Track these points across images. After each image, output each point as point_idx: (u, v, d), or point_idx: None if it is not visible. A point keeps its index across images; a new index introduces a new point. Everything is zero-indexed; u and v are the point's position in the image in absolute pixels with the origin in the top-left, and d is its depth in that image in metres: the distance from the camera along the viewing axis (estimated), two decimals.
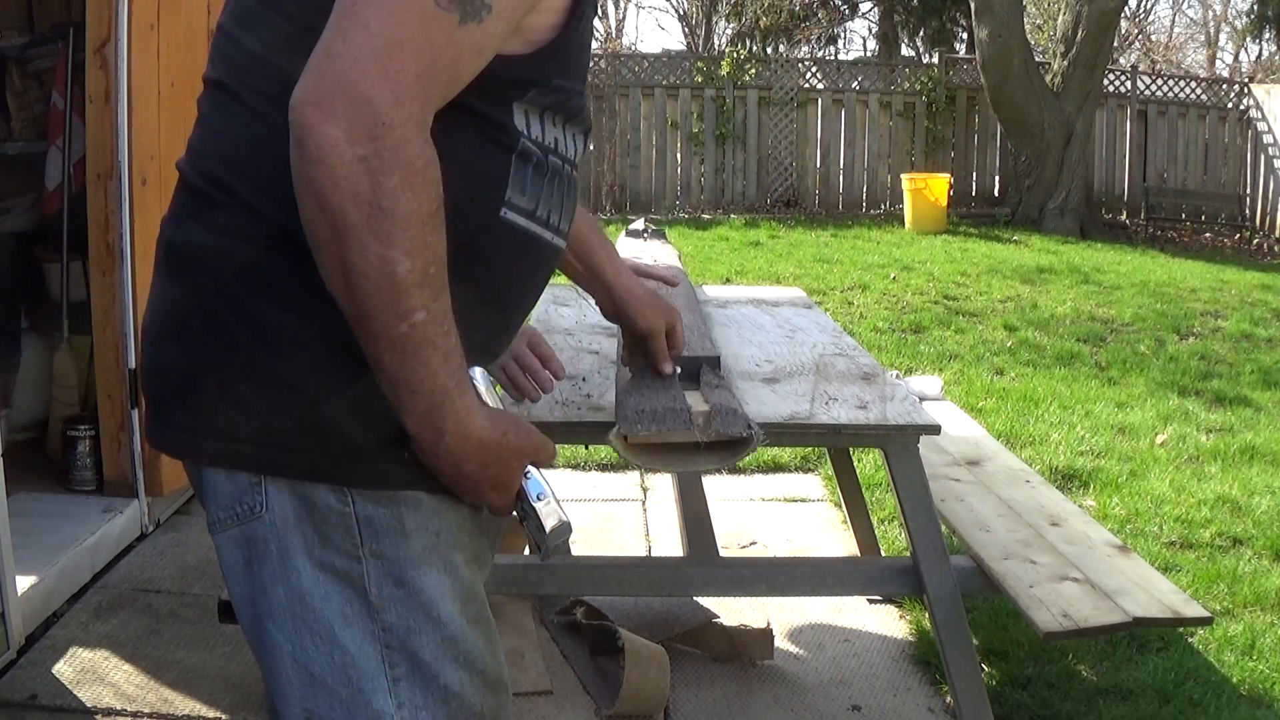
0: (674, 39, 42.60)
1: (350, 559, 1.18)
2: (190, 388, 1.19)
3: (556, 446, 1.30)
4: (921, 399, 3.20)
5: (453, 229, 1.09)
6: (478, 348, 1.21)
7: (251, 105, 1.18)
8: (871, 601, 3.20)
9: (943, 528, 2.38)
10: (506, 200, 1.20)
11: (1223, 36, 26.36)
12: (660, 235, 3.49)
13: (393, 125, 1.02)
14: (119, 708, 2.57)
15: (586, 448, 3.99)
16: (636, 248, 3.12)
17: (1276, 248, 12.17)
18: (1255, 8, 19.50)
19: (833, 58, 19.36)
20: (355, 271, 1.05)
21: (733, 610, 3.01)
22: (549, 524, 1.24)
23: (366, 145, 1.02)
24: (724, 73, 13.12)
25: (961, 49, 17.89)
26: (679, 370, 1.84)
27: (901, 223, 12.26)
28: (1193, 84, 13.99)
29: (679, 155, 13.10)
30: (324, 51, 1.04)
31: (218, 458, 1.19)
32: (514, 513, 1.25)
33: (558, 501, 1.25)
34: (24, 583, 2.83)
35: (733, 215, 12.81)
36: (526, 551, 3.08)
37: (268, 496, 1.18)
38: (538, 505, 1.23)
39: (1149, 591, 2.29)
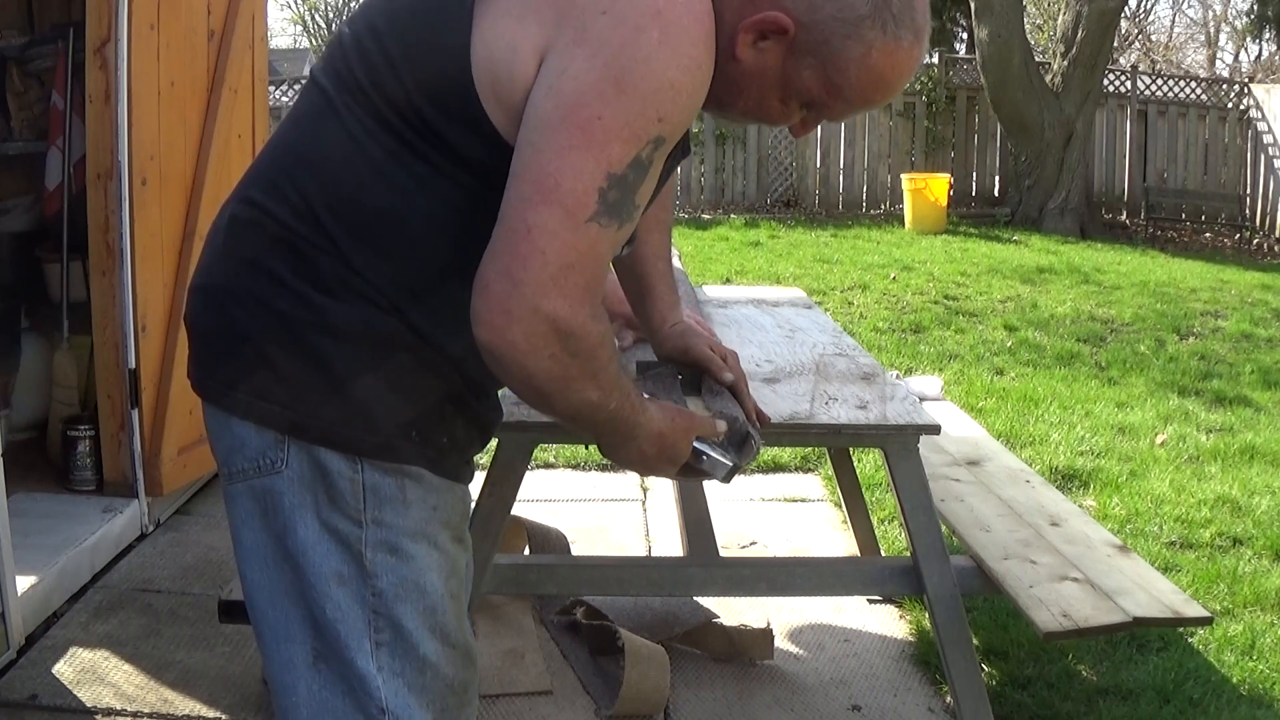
0: None
1: (353, 523, 1.32)
2: (235, 345, 1.34)
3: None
4: (921, 399, 3.20)
5: (450, 266, 1.27)
6: (466, 350, 1.29)
7: (346, 123, 1.30)
8: (871, 601, 3.20)
9: (943, 528, 2.38)
10: None
11: (1223, 36, 26.37)
12: None
13: (573, 330, 1.21)
14: (119, 708, 2.57)
15: (586, 447, 3.99)
16: None
17: (1276, 248, 12.16)
18: (1255, 8, 19.50)
19: None
20: (562, 411, 1.29)
21: (733, 610, 3.01)
22: (719, 474, 1.49)
23: (554, 347, 1.21)
24: None
25: (961, 49, 17.88)
26: (681, 376, 1.85)
27: (901, 223, 12.25)
28: (1193, 84, 13.98)
29: None
30: (504, 274, 1.18)
31: (249, 412, 1.33)
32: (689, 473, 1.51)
33: (720, 451, 1.49)
34: (24, 583, 2.83)
35: (733, 215, 12.81)
36: (527, 551, 3.08)
37: (289, 454, 1.32)
38: (703, 465, 1.48)
39: (1149, 591, 2.29)
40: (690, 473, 1.50)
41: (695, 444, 1.47)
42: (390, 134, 1.28)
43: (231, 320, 1.35)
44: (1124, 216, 13.33)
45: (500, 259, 1.19)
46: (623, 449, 1.39)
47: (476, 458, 1.49)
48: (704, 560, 2.50)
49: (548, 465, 4.30)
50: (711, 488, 2.83)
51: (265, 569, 1.35)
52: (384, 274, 1.30)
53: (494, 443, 2.27)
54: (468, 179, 1.28)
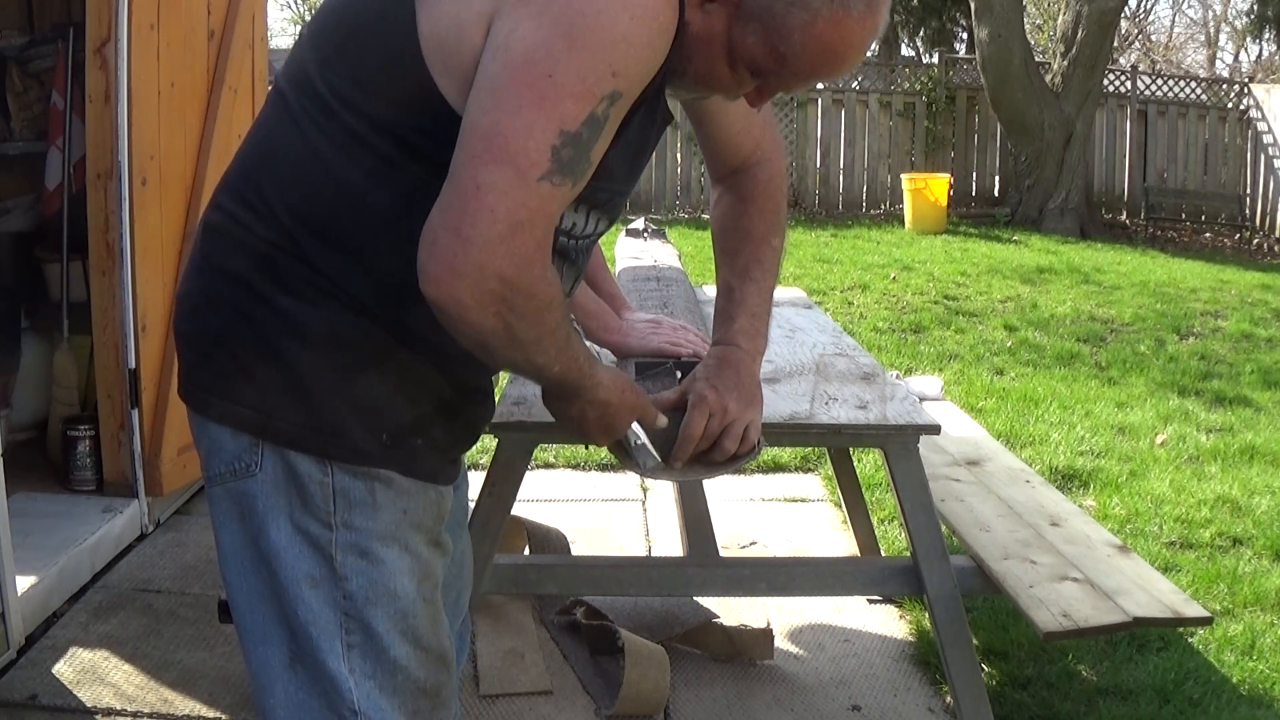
0: None
1: (323, 526, 1.32)
2: (211, 351, 1.36)
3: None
4: (921, 399, 3.20)
5: None
6: (460, 361, 1.33)
7: (300, 123, 1.31)
8: (871, 601, 3.20)
9: (943, 528, 2.38)
10: None
11: (1223, 36, 26.37)
12: (660, 235, 3.49)
13: (520, 288, 1.19)
14: (119, 708, 2.57)
15: (586, 447, 3.99)
16: (637, 247, 3.12)
17: (1276, 248, 12.16)
18: (1255, 8, 19.49)
19: None
20: (504, 365, 1.33)
21: (733, 610, 3.01)
22: (643, 464, 1.51)
23: (499, 305, 1.19)
24: None
25: (961, 49, 17.89)
26: (680, 375, 1.86)
27: (901, 223, 12.25)
28: (1193, 84, 13.98)
29: (679, 155, 13.06)
30: (453, 231, 1.16)
31: (224, 416, 1.34)
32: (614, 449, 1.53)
33: (652, 449, 1.50)
34: (24, 583, 2.83)
35: None
36: (527, 551, 3.08)
37: (263, 458, 1.32)
38: (632, 449, 1.50)
39: (1149, 591, 2.29)
40: (620, 452, 1.52)
41: (634, 426, 1.48)
42: (340, 129, 1.27)
43: (206, 326, 1.36)
44: (1124, 216, 13.33)
45: (448, 215, 1.17)
46: (564, 406, 1.42)
47: (470, 457, 1.49)
48: (704, 560, 2.50)
49: (548, 465, 4.30)
50: (712, 488, 2.83)
51: (243, 571, 1.36)
52: (355, 275, 1.29)
53: (494, 442, 2.28)
54: (418, 169, 1.26)
